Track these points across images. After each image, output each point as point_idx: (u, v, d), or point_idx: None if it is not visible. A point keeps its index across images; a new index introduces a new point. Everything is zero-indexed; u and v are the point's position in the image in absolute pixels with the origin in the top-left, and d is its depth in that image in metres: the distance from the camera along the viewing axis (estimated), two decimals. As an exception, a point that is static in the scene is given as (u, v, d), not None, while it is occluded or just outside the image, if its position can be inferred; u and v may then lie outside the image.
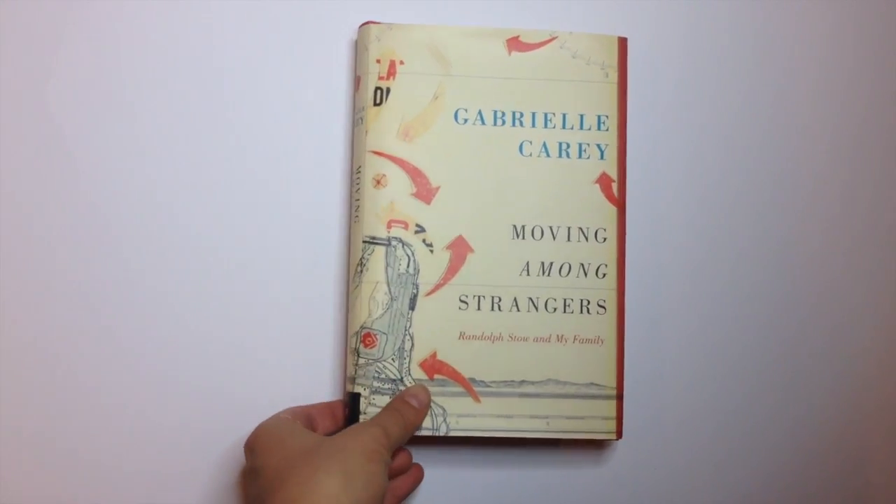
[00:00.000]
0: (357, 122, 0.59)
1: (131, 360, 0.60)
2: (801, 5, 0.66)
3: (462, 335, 0.58)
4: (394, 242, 0.58)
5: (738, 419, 0.64)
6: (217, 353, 0.61)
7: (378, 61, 0.59)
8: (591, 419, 0.59)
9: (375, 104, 0.58)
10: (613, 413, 0.59)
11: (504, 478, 0.62)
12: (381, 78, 0.59)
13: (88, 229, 0.59)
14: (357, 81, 0.60)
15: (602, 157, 0.60)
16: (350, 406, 0.57)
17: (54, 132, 0.59)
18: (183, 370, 0.60)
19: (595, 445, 0.62)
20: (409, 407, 0.56)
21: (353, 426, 0.53)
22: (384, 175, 0.58)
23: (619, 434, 0.59)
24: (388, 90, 0.59)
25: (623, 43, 0.60)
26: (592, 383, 0.59)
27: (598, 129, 0.60)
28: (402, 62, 0.59)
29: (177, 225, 0.60)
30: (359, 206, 0.58)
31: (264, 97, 0.62)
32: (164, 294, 0.60)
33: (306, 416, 0.57)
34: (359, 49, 0.60)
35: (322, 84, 0.62)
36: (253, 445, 0.54)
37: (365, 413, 0.57)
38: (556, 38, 0.60)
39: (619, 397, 0.59)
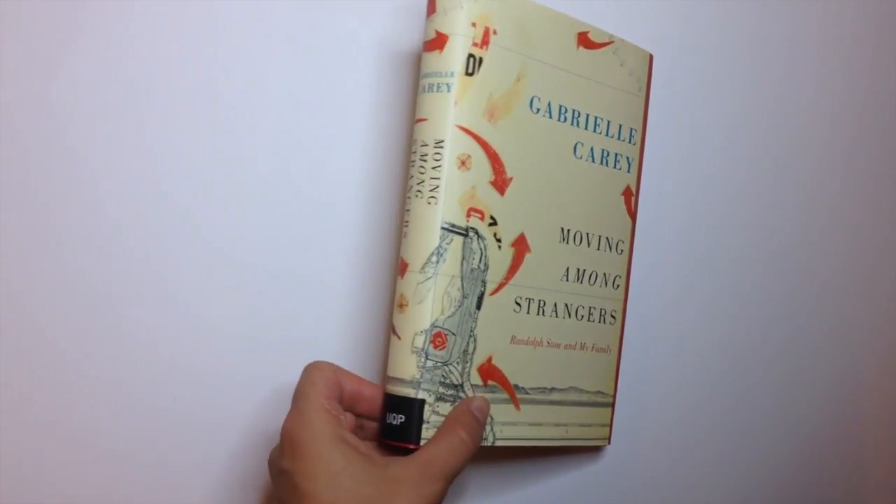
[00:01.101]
0: (434, 87, 0.52)
1: (154, 354, 0.55)
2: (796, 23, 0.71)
3: (514, 339, 0.54)
4: (471, 233, 0.52)
5: (730, 420, 0.68)
6: (235, 342, 0.56)
7: (474, 25, 0.52)
8: (595, 426, 0.60)
9: (468, 73, 0.51)
10: (608, 420, 0.61)
11: (494, 478, 0.60)
12: (475, 44, 0.52)
13: (105, 228, 0.55)
14: (438, 40, 0.52)
15: (629, 171, 0.60)
16: (410, 414, 0.50)
17: (59, 131, 0.54)
18: (200, 357, 0.56)
19: (585, 451, 0.63)
20: (477, 424, 0.51)
21: (414, 471, 0.47)
22: (469, 156, 0.52)
23: (610, 440, 0.61)
24: (481, 60, 0.52)
25: (651, 59, 0.61)
26: (599, 391, 0.60)
27: (629, 141, 0.60)
28: (495, 32, 0.53)
29: (190, 215, 0.56)
30: (437, 187, 0.51)
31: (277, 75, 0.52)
32: (179, 286, 0.56)
33: (338, 394, 0.50)
34: (445, 3, 0.52)
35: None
36: (295, 451, 0.47)
37: (428, 422, 0.50)
38: (613, 42, 0.59)
39: (613, 405, 0.61)
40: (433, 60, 0.52)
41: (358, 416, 0.52)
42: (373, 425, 0.52)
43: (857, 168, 0.73)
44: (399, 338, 0.51)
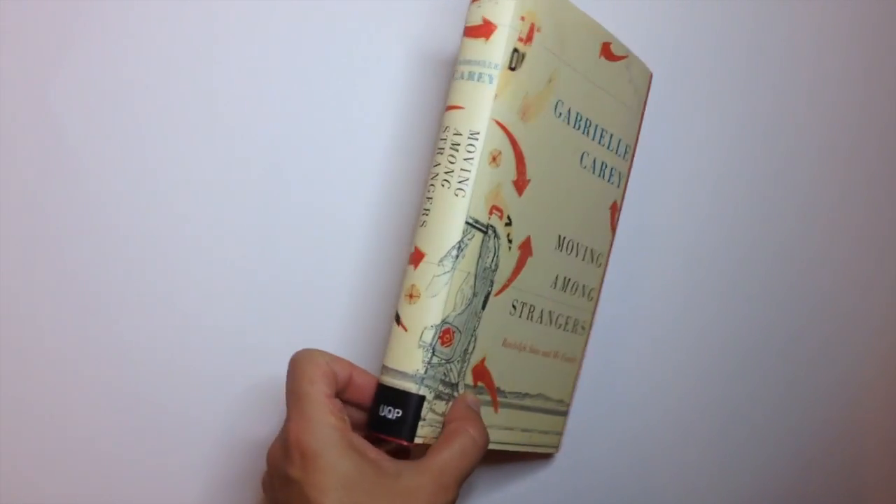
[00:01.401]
0: (474, 76, 0.50)
1: (153, 353, 0.57)
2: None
3: (505, 342, 0.54)
4: (490, 231, 0.51)
5: (707, 430, 0.67)
6: (229, 333, 0.58)
7: (522, 19, 0.50)
8: (551, 434, 0.60)
9: (511, 68, 0.50)
10: (562, 428, 0.61)
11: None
12: (520, 39, 0.50)
13: (102, 228, 0.57)
14: (484, 28, 0.50)
15: (618, 185, 0.61)
16: (407, 410, 0.48)
17: (58, 133, 0.56)
18: (195, 352, 0.57)
19: (535, 458, 0.63)
20: (480, 420, 0.50)
21: (428, 480, 0.46)
22: (500, 153, 0.50)
23: (559, 447, 0.61)
24: (524, 56, 0.50)
25: (650, 78, 0.62)
26: (561, 400, 0.60)
27: (623, 157, 0.60)
28: (539, 29, 0.51)
29: (191, 214, 0.58)
30: (466, 180, 0.49)
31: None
32: (178, 279, 0.58)
33: (335, 387, 0.48)
34: (495, -10, 0.50)
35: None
36: (305, 462, 0.45)
37: (424, 419, 0.49)
38: (628, 56, 0.59)
39: (567, 414, 0.61)
40: (476, 48, 0.50)
41: (344, 402, 0.49)
42: (356, 413, 0.50)
43: (853, 181, 0.69)
44: (405, 329, 0.49)
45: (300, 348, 0.49)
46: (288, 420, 0.46)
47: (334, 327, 0.57)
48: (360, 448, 0.45)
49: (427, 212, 0.50)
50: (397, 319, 0.49)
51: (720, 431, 0.67)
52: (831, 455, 0.67)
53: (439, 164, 0.50)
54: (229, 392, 0.55)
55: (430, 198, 0.50)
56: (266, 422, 0.55)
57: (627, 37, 0.61)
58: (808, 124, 0.68)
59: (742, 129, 0.68)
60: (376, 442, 0.49)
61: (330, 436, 0.45)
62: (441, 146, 0.50)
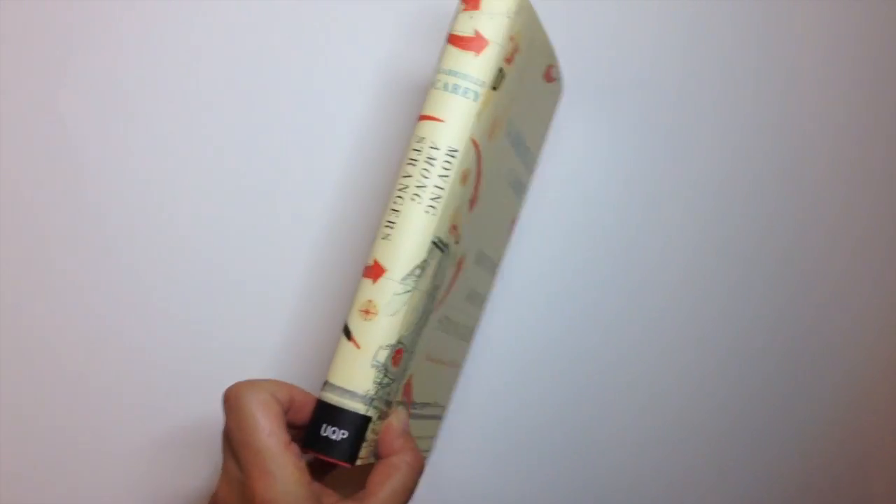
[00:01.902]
0: (458, 89, 0.48)
1: (134, 354, 0.61)
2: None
3: (429, 357, 0.53)
4: (446, 251, 0.49)
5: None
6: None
7: (512, 39, 0.49)
8: (427, 439, 0.60)
9: (493, 87, 0.48)
10: (437, 432, 0.61)
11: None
12: (506, 59, 0.49)
13: (102, 228, 0.61)
14: (476, 42, 0.48)
15: (521, 200, 0.61)
16: (353, 431, 0.46)
17: (64, 133, 0.61)
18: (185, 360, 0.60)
19: None
20: (412, 439, 0.49)
21: None
22: (470, 171, 0.49)
23: (431, 451, 0.62)
24: (505, 76, 0.49)
25: (560, 96, 0.63)
26: (443, 406, 0.60)
27: (531, 172, 0.61)
28: (519, 51, 0.50)
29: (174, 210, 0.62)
30: (439, 197, 0.47)
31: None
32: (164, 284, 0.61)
33: (283, 416, 0.46)
34: (493, 5, 0.48)
35: None
36: None
37: (366, 440, 0.47)
38: (559, 80, 0.59)
39: (442, 418, 0.62)
40: (464, 61, 0.48)
41: None
42: (291, 430, 0.47)
43: (858, 165, 0.65)
44: (357, 346, 0.46)
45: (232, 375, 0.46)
46: (248, 476, 0.43)
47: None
48: (321, 500, 0.44)
49: (392, 224, 0.47)
50: (347, 335, 0.47)
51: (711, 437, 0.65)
52: (836, 458, 0.64)
53: (410, 177, 0.47)
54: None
55: (397, 210, 0.47)
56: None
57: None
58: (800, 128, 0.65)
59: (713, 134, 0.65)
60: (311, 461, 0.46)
61: (297, 493, 0.43)
62: (414, 157, 0.47)
